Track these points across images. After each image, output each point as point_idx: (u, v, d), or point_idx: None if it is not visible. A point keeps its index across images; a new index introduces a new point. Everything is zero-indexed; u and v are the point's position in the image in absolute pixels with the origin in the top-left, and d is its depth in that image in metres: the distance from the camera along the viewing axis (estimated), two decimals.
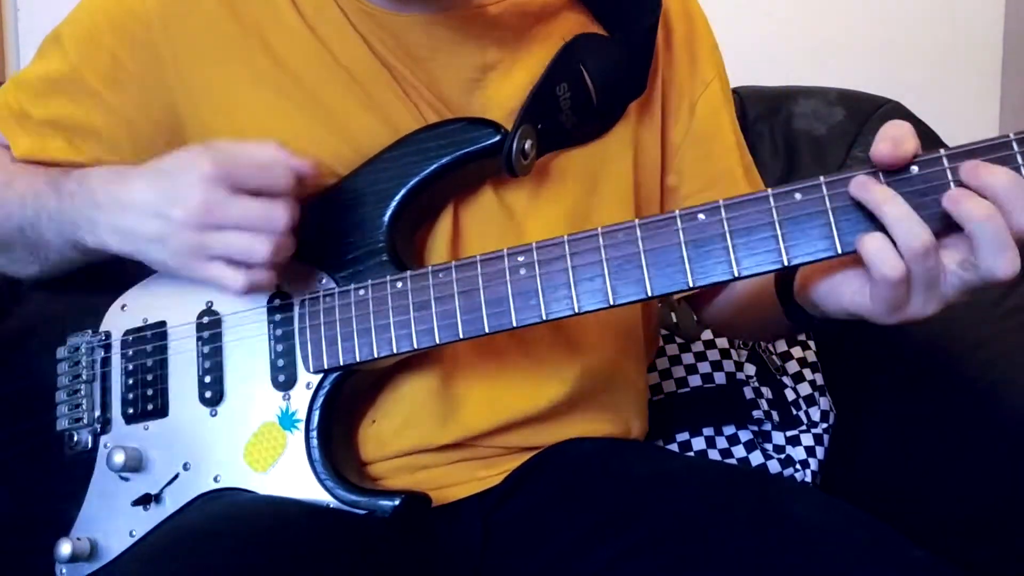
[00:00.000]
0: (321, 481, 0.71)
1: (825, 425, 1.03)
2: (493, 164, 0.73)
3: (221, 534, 0.66)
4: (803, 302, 0.68)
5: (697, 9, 0.86)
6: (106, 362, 0.80)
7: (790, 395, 1.04)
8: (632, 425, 0.83)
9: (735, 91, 1.20)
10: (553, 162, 0.78)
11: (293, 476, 0.71)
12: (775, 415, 1.02)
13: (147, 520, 0.75)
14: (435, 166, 0.73)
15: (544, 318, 0.66)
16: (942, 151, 0.58)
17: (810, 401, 1.04)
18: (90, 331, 0.81)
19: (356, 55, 0.75)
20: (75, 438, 0.79)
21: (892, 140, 0.58)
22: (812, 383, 1.05)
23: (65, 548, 0.75)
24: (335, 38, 0.75)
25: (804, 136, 1.15)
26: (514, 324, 0.67)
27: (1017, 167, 0.56)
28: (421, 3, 0.74)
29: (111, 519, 0.76)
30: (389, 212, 0.73)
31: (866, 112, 1.14)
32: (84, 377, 0.80)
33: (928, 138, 1.10)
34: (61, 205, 0.73)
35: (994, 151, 0.57)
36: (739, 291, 0.83)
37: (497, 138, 0.72)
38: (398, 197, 0.73)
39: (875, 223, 0.59)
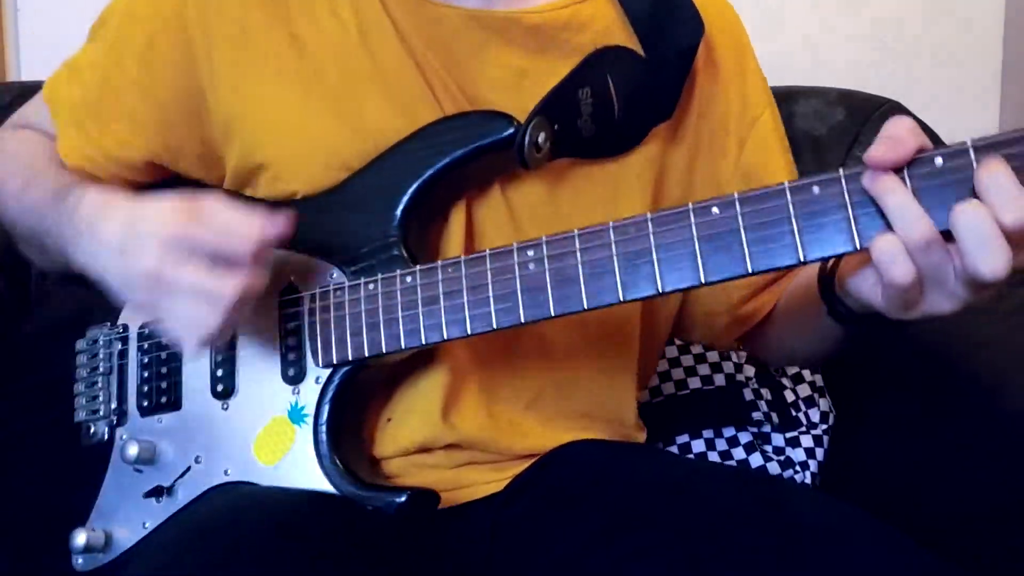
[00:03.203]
0: (328, 475, 0.70)
1: (825, 426, 1.02)
2: (507, 158, 0.72)
3: (233, 527, 0.65)
4: (842, 293, 0.67)
5: (747, 42, 0.84)
6: (123, 355, 0.80)
7: (789, 396, 1.03)
8: (635, 435, 0.83)
9: None
10: (568, 172, 0.77)
11: (301, 470, 0.71)
12: (775, 417, 1.02)
13: (159, 512, 0.75)
14: (448, 159, 0.72)
15: (552, 314, 0.65)
16: (969, 141, 0.56)
17: (810, 402, 1.03)
18: (108, 324, 0.82)
19: (388, 48, 0.74)
20: (92, 430, 0.80)
21: (889, 140, 0.55)
22: (811, 384, 1.04)
23: (80, 538, 0.76)
24: (368, 29, 0.74)
25: (804, 136, 1.15)
26: (522, 320, 0.66)
27: None
28: None
29: (125, 511, 0.77)
30: (401, 206, 0.73)
31: (866, 112, 1.14)
32: (102, 369, 0.81)
33: (928, 138, 1.10)
34: (59, 223, 0.74)
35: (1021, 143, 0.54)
36: (785, 302, 0.81)
37: (511, 131, 0.71)
38: (411, 191, 0.72)
39: None
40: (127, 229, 0.67)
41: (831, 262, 0.69)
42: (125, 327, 0.81)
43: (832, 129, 1.14)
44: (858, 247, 0.58)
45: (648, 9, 0.78)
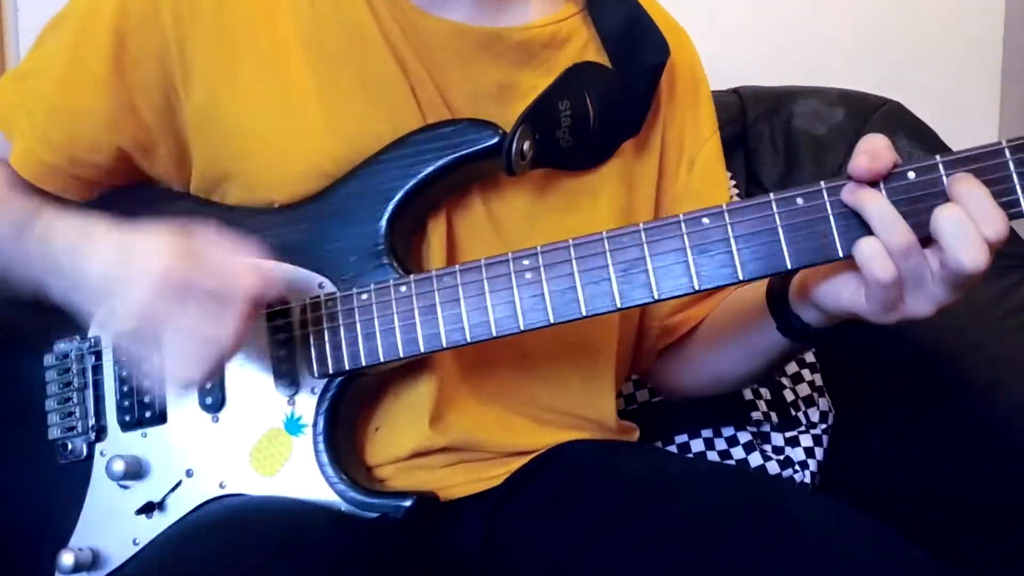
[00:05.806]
0: (332, 484, 0.71)
1: (824, 426, 1.03)
2: (489, 167, 0.74)
3: (235, 534, 0.66)
4: (800, 307, 0.71)
5: (702, 71, 0.89)
6: (97, 369, 0.78)
7: (789, 396, 1.04)
8: (624, 436, 0.86)
9: (735, 91, 1.22)
10: (546, 183, 0.79)
11: (302, 480, 0.72)
12: (774, 416, 1.03)
13: (151, 528, 0.74)
14: (433, 168, 0.73)
15: (552, 321, 0.67)
16: (938, 157, 0.61)
17: (809, 402, 1.04)
18: (78, 337, 0.79)
19: (374, 52, 0.74)
20: (69, 447, 0.78)
21: (868, 154, 0.60)
22: (811, 384, 1.05)
23: (67, 559, 0.74)
24: (352, 31, 0.73)
25: (804, 136, 1.15)
26: (522, 327, 0.68)
27: (1009, 174, 0.59)
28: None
29: (113, 528, 0.75)
30: (387, 214, 0.73)
31: (866, 112, 1.14)
32: (75, 384, 0.79)
33: (928, 138, 1.12)
34: (25, 257, 0.71)
35: (988, 158, 0.60)
36: (718, 321, 0.85)
37: (496, 139, 0.72)
38: (397, 199, 0.73)
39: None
40: (116, 266, 0.64)
41: (783, 279, 0.73)
42: (97, 340, 0.79)
43: (832, 129, 1.14)
44: (840, 255, 0.63)
45: (620, 30, 0.81)
